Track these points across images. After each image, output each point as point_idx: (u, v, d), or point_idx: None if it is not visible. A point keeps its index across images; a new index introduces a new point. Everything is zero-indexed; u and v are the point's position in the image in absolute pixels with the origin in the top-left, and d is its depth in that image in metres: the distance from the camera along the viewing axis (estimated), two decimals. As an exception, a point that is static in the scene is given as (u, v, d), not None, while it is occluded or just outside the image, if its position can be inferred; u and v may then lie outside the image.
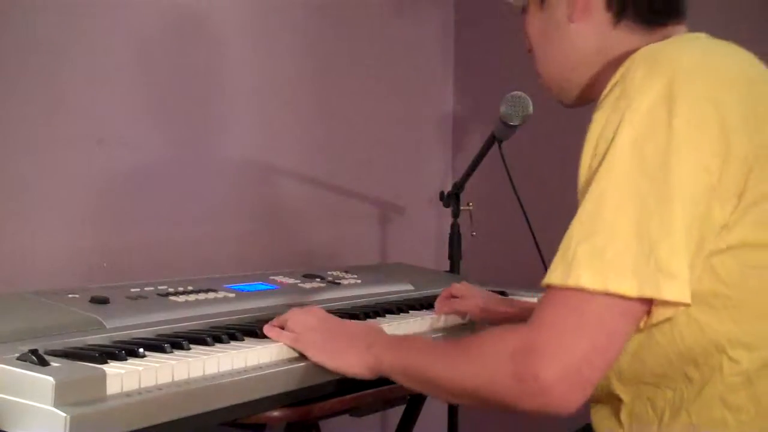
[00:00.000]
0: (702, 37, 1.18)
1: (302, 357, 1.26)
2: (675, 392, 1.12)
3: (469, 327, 1.63)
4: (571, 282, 1.01)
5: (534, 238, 2.05)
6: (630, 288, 0.99)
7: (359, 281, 1.82)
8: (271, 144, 2.44)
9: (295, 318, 1.32)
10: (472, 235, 2.27)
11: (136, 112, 2.10)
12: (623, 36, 1.20)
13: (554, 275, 1.03)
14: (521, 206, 2.12)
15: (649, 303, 1.02)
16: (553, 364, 1.00)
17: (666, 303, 1.01)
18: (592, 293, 1.00)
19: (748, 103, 1.05)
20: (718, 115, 1.02)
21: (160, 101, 2.16)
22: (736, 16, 2.37)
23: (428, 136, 3.06)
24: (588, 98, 1.26)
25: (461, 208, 2.27)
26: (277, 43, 2.47)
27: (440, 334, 1.56)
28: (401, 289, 1.85)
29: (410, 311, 1.63)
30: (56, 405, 0.95)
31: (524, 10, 1.32)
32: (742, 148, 1.03)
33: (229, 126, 2.33)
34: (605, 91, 1.08)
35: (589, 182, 1.04)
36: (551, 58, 1.28)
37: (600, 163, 1.03)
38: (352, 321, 1.39)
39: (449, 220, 2.28)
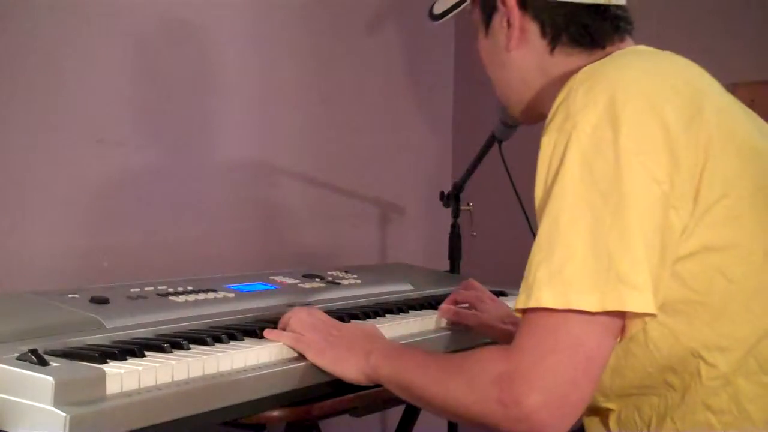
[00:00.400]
0: (642, 50, 1.20)
1: (302, 357, 1.27)
2: (660, 398, 1.13)
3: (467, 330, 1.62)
4: (533, 303, 1.02)
5: (534, 237, 2.05)
6: (592, 303, 0.99)
7: (359, 281, 1.82)
8: (271, 144, 2.44)
9: (297, 317, 1.32)
10: (472, 235, 2.27)
11: (135, 113, 2.10)
12: (562, 59, 1.21)
13: (519, 300, 1.05)
14: (521, 206, 2.12)
15: (622, 317, 1.02)
16: (536, 390, 1.00)
17: (634, 315, 1.02)
18: (563, 314, 1.00)
19: (690, 110, 1.06)
20: (661, 126, 1.03)
21: (159, 101, 2.16)
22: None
23: (428, 137, 3.06)
24: (535, 116, 1.29)
25: (461, 208, 2.27)
26: (277, 44, 2.47)
27: (440, 335, 1.55)
28: (401, 289, 1.85)
29: (410, 311, 1.63)
30: (56, 405, 0.95)
31: (475, 33, 1.35)
32: (688, 155, 1.04)
33: (229, 126, 2.33)
34: (550, 115, 1.09)
35: (543, 205, 1.06)
36: (497, 81, 1.31)
37: (552, 185, 1.05)
38: (352, 324, 1.39)
39: (449, 220, 2.28)
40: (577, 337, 1.01)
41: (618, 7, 1.21)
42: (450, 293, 1.68)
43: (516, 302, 1.06)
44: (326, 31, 2.63)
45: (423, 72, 3.03)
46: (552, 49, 1.21)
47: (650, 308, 1.00)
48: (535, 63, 1.23)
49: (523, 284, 1.05)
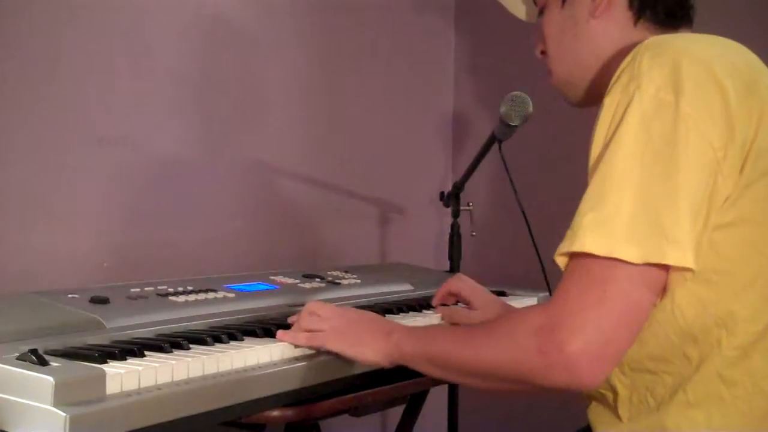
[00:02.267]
0: (701, 35, 1.24)
1: (302, 356, 1.26)
2: (674, 376, 1.14)
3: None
4: (577, 247, 1.05)
5: (532, 237, 2.05)
6: (634, 255, 1.02)
7: (359, 281, 1.82)
8: (272, 144, 2.44)
9: (311, 308, 1.33)
10: (472, 235, 2.27)
11: (136, 113, 2.10)
12: (639, 35, 1.26)
13: (563, 245, 1.08)
14: (520, 206, 2.12)
15: (664, 273, 1.06)
16: (579, 337, 1.03)
17: (674, 271, 1.05)
18: (609, 263, 1.03)
19: (747, 86, 1.11)
20: (721, 97, 1.07)
21: (160, 101, 2.16)
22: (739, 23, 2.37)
23: (428, 136, 3.06)
24: (596, 97, 1.29)
25: (461, 208, 2.27)
26: (278, 44, 2.47)
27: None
28: (401, 289, 1.86)
29: (410, 311, 1.63)
30: (56, 405, 0.95)
31: (541, 12, 1.37)
32: (743, 127, 1.08)
33: (230, 126, 2.33)
34: (614, 77, 1.13)
35: (599, 160, 1.09)
36: (568, 55, 1.33)
37: (609, 142, 1.08)
38: (365, 311, 1.39)
39: (449, 220, 2.28)
40: (623, 289, 1.04)
41: None
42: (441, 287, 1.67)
43: (559, 248, 1.08)
44: (326, 30, 2.62)
45: (423, 72, 3.03)
46: (635, 22, 1.27)
47: (690, 263, 1.04)
48: (613, 35, 1.27)
49: (568, 232, 1.08)
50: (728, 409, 1.11)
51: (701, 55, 1.11)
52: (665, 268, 1.05)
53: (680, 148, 1.04)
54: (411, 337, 1.24)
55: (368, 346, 1.26)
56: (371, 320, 1.31)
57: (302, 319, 1.32)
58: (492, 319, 1.56)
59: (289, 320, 1.37)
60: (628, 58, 1.13)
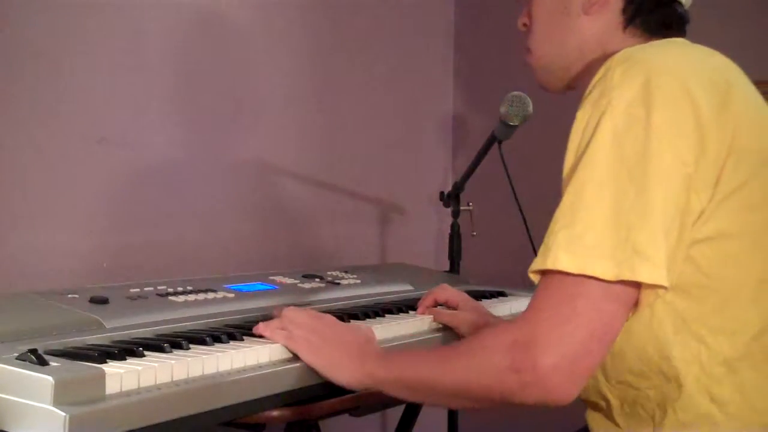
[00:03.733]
0: (679, 41, 1.24)
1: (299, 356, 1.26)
2: (656, 391, 1.14)
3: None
4: (549, 264, 1.05)
5: (531, 238, 2.06)
6: (607, 271, 1.02)
7: (359, 281, 1.82)
8: (271, 144, 2.44)
9: (289, 315, 1.31)
10: (472, 235, 2.27)
11: (136, 113, 2.10)
12: (624, 40, 1.25)
13: (536, 262, 1.08)
14: (519, 207, 2.12)
15: (637, 289, 1.05)
16: (550, 353, 1.03)
17: (647, 288, 1.04)
18: (581, 280, 1.03)
19: (721, 99, 1.10)
20: (693, 110, 1.06)
21: (161, 102, 2.16)
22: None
23: (428, 136, 3.06)
24: (569, 86, 1.32)
25: (461, 208, 2.27)
26: (278, 44, 2.47)
27: (440, 335, 1.55)
28: (401, 289, 1.85)
29: (410, 311, 1.63)
30: (55, 404, 0.95)
31: None
32: (715, 143, 1.07)
33: (229, 126, 2.33)
34: (587, 91, 1.13)
35: (570, 175, 1.09)
36: (550, 40, 1.32)
37: (581, 157, 1.08)
38: (345, 325, 1.36)
39: (449, 220, 2.28)
40: (595, 303, 1.03)
41: (686, 6, 1.28)
42: (425, 293, 1.66)
43: (532, 264, 1.08)
44: (326, 30, 2.63)
45: (423, 72, 3.03)
46: (624, 27, 1.26)
47: (662, 280, 1.03)
48: (601, 35, 1.27)
49: (541, 248, 1.08)
50: (721, 429, 1.10)
51: (673, 69, 1.10)
52: (638, 284, 1.04)
53: (652, 164, 1.04)
54: (384, 363, 1.22)
55: (341, 370, 1.24)
56: (346, 342, 1.27)
57: (281, 321, 1.30)
58: (476, 321, 1.56)
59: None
60: (600, 72, 1.12)
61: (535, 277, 1.09)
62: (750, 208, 1.10)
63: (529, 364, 1.03)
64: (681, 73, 1.09)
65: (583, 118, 1.10)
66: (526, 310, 1.08)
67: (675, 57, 1.15)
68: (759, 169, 1.10)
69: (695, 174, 1.05)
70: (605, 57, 1.21)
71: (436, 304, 1.63)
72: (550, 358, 1.02)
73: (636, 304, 1.06)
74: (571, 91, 1.27)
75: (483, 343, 1.12)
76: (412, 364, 1.20)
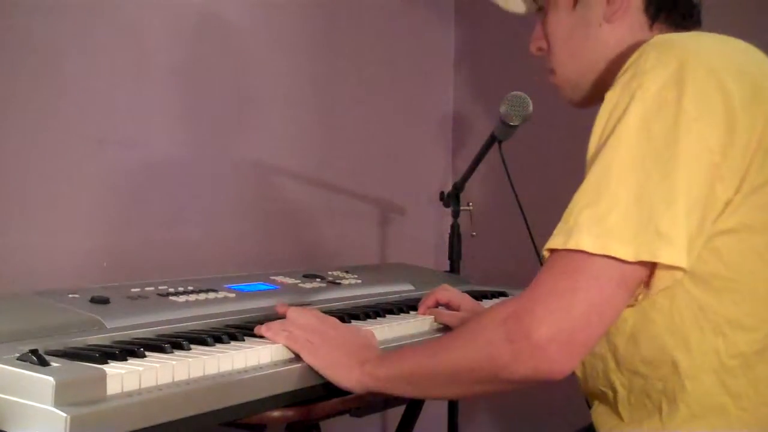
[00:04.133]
0: (713, 34, 1.23)
1: (301, 357, 1.26)
2: (666, 384, 1.14)
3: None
4: (572, 245, 1.04)
5: (532, 238, 2.05)
6: (627, 252, 1.02)
7: (359, 281, 1.82)
8: (272, 144, 2.44)
9: (292, 316, 1.32)
10: (472, 235, 2.27)
11: (136, 113, 2.10)
12: (651, 37, 1.23)
13: (555, 240, 1.07)
14: (520, 206, 2.12)
15: (646, 271, 1.05)
16: (546, 323, 1.02)
17: (664, 269, 1.04)
18: (590, 256, 1.02)
19: (753, 91, 1.09)
20: (724, 100, 1.06)
21: (161, 102, 2.16)
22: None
23: (428, 136, 3.06)
24: (599, 96, 1.27)
25: (461, 208, 2.27)
26: (278, 44, 2.47)
27: (439, 335, 1.55)
28: (401, 289, 1.85)
29: (410, 311, 1.63)
30: (56, 405, 0.95)
31: (541, 9, 1.36)
32: (745, 134, 1.06)
33: (229, 126, 2.33)
34: (620, 73, 1.12)
35: (596, 155, 1.08)
36: (575, 57, 1.31)
37: (608, 138, 1.07)
38: (347, 327, 1.36)
39: (449, 220, 2.28)
40: (598, 278, 1.03)
41: None
42: (426, 294, 1.66)
43: (550, 242, 1.07)
44: (326, 31, 2.63)
45: (423, 72, 3.03)
46: (651, 26, 1.26)
47: (682, 261, 1.03)
48: (625, 39, 1.26)
49: (560, 225, 1.07)
50: (732, 421, 1.10)
51: (708, 57, 1.10)
52: (650, 266, 1.04)
53: (680, 148, 1.04)
54: (383, 362, 1.23)
55: (342, 372, 1.24)
56: (347, 344, 1.28)
57: (283, 323, 1.31)
58: None
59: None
60: (635, 55, 1.12)
61: (547, 253, 1.08)
62: None
63: (522, 334, 1.03)
64: (715, 62, 1.09)
65: (612, 99, 1.10)
66: (528, 286, 1.08)
67: (710, 46, 1.14)
68: None
69: (722, 163, 1.05)
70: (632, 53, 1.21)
71: (438, 305, 1.63)
72: (546, 328, 1.02)
73: (647, 285, 1.06)
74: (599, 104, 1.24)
75: (480, 320, 1.12)
76: (410, 356, 1.21)
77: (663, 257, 1.02)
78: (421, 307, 1.62)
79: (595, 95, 1.30)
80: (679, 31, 1.25)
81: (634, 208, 1.03)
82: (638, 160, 1.04)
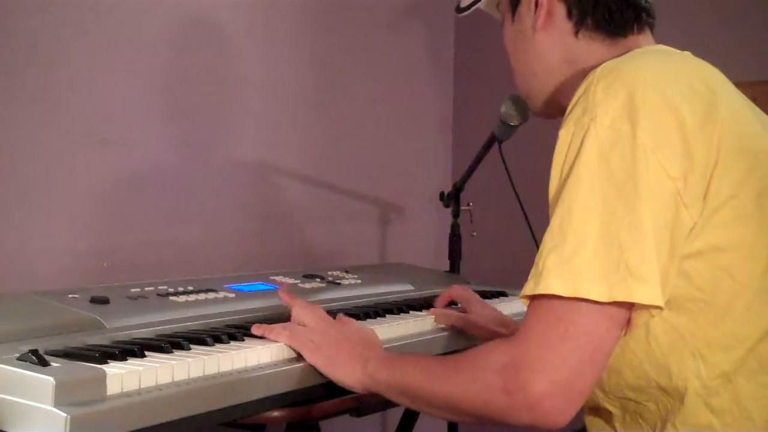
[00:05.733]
0: (661, 49, 1.23)
1: (303, 357, 1.26)
2: (658, 404, 1.13)
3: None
4: (541, 290, 1.03)
5: (534, 238, 2.05)
6: (600, 293, 1.00)
7: (359, 281, 1.82)
8: (272, 144, 2.44)
9: (295, 314, 1.33)
10: (472, 235, 2.27)
11: (137, 113, 2.10)
12: (585, 46, 1.24)
13: (527, 287, 1.06)
14: (521, 206, 2.12)
15: (629, 308, 1.03)
16: (543, 377, 1.01)
17: (641, 308, 1.03)
18: (572, 302, 1.01)
19: (705, 109, 1.08)
20: (678, 123, 1.05)
21: (161, 102, 2.16)
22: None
23: (428, 136, 3.06)
24: (556, 108, 1.29)
25: (461, 208, 2.27)
26: (279, 44, 2.47)
27: (440, 335, 1.55)
28: (401, 289, 1.85)
29: (410, 311, 1.63)
30: (56, 405, 0.95)
31: (501, 24, 1.38)
32: (702, 154, 1.05)
33: (230, 126, 2.33)
34: (569, 108, 1.11)
35: (557, 196, 1.06)
36: (521, 68, 1.33)
37: (567, 176, 1.05)
38: (349, 327, 1.36)
39: (449, 220, 2.28)
40: (586, 325, 1.02)
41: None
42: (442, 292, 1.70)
43: (523, 289, 1.07)
44: (327, 32, 2.62)
45: (423, 72, 3.03)
46: (576, 32, 1.25)
47: (658, 300, 1.01)
48: (558, 47, 1.26)
49: (532, 271, 1.06)
50: None
51: (656, 81, 1.07)
52: (631, 304, 1.03)
53: (641, 182, 1.02)
54: (386, 367, 1.22)
55: (344, 370, 1.24)
56: (350, 343, 1.28)
57: (285, 324, 1.31)
58: (483, 324, 1.57)
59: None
60: (581, 88, 1.10)
61: (525, 301, 1.07)
62: (741, 220, 1.08)
63: (519, 388, 1.02)
64: (664, 86, 1.07)
65: (566, 136, 1.08)
66: (518, 332, 1.07)
67: (656, 69, 1.12)
68: (746, 178, 1.08)
69: (684, 188, 1.04)
70: (579, 72, 1.21)
71: (450, 303, 1.65)
72: (542, 383, 1.01)
73: (628, 323, 1.05)
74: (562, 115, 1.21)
75: (477, 362, 1.10)
76: (411, 371, 1.19)
77: (637, 297, 1.00)
78: (437, 304, 1.65)
79: (549, 106, 1.31)
80: (612, 37, 1.23)
81: (600, 245, 1.01)
82: (600, 196, 1.02)
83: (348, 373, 1.24)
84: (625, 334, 1.07)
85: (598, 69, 1.11)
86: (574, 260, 1.02)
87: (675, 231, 1.04)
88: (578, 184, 1.04)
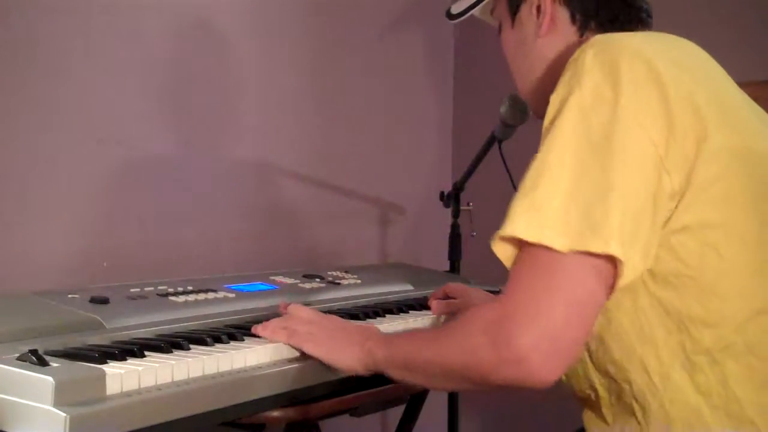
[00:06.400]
0: (654, 33, 1.25)
1: (302, 357, 1.26)
2: (632, 386, 1.14)
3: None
4: (508, 232, 1.05)
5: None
6: (561, 243, 1.02)
7: (359, 281, 1.82)
8: (272, 144, 2.44)
9: (291, 311, 1.35)
10: (472, 235, 2.27)
11: (136, 113, 2.10)
12: None
13: (499, 231, 1.08)
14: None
15: (614, 266, 1.04)
16: (528, 329, 1.01)
17: (620, 269, 1.03)
18: (555, 254, 1.02)
19: (690, 85, 1.10)
20: (660, 92, 1.07)
21: (160, 102, 2.16)
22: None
23: (428, 136, 3.06)
24: None
25: (461, 208, 2.27)
26: (279, 44, 2.47)
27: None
28: (401, 289, 1.85)
29: (410, 311, 1.63)
30: (56, 405, 0.95)
31: (499, 30, 1.40)
32: (683, 124, 1.07)
33: (230, 126, 2.33)
34: (562, 75, 1.13)
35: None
36: (522, 73, 1.35)
37: (548, 130, 1.08)
38: (347, 320, 1.40)
39: (449, 220, 2.28)
40: (571, 278, 1.02)
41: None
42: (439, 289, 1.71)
43: (494, 235, 1.09)
44: (327, 32, 2.62)
45: (423, 72, 3.03)
46: (580, 35, 1.27)
47: (613, 250, 1.01)
48: (562, 50, 1.27)
49: (505, 218, 1.08)
50: (708, 421, 1.09)
51: (643, 52, 1.10)
52: (613, 262, 1.03)
53: (617, 143, 1.04)
54: (383, 344, 1.24)
55: (344, 353, 1.25)
56: (348, 329, 1.31)
57: (283, 319, 1.33)
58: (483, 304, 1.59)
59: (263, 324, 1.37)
60: (575, 55, 1.13)
61: (500, 250, 1.09)
62: (730, 201, 1.09)
63: (504, 340, 1.02)
64: (650, 56, 1.09)
65: (554, 99, 1.11)
66: (505, 286, 1.07)
67: (648, 42, 1.15)
68: (731, 163, 1.09)
69: (665, 154, 1.05)
70: None
71: (445, 297, 1.67)
72: (527, 335, 1.01)
73: (612, 286, 1.05)
74: None
75: (467, 322, 1.12)
76: (406, 344, 1.22)
77: (593, 246, 1.01)
78: (432, 303, 1.66)
79: None
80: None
81: (569, 198, 1.03)
82: (575, 151, 1.05)
83: (349, 357, 1.25)
84: (608, 298, 1.07)
85: (592, 38, 1.15)
86: (542, 208, 1.04)
87: (657, 196, 1.05)
88: (556, 137, 1.07)
